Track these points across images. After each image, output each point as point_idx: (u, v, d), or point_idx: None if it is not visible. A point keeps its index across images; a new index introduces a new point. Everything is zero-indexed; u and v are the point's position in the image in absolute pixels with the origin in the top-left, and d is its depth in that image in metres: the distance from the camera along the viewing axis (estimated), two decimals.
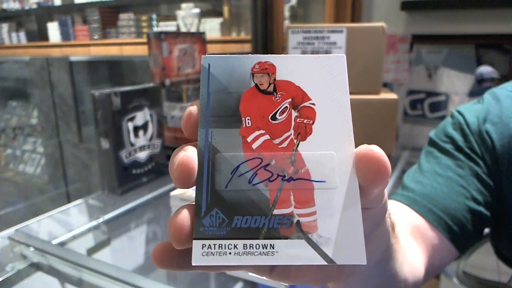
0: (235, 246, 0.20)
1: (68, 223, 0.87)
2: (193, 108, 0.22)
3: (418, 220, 0.48)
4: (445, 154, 0.51)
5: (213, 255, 0.19)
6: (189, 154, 0.20)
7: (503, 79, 1.42)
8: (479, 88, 1.45)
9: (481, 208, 0.48)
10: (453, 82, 1.49)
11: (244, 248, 0.20)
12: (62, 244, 0.75)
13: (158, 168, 0.99)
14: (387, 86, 1.58)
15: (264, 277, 0.25)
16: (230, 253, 0.20)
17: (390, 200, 0.50)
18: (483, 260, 0.97)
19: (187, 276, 0.70)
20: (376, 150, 0.20)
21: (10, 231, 0.75)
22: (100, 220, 0.83)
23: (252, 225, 0.20)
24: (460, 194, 0.48)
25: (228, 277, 0.63)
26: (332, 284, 0.29)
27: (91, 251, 0.75)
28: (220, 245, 0.20)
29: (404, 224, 0.46)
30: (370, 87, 1.15)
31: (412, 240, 0.45)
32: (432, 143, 0.54)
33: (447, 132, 0.52)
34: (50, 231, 0.81)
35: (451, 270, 0.86)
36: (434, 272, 0.47)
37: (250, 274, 0.59)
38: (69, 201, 1.97)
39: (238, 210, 0.20)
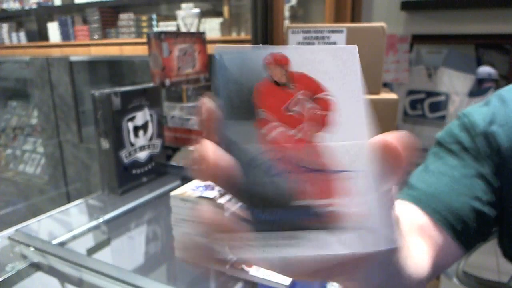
0: (259, 239, 0.20)
1: (68, 223, 0.87)
2: (207, 101, 0.22)
3: (423, 219, 0.48)
4: (451, 155, 0.52)
5: (237, 248, 0.20)
6: (216, 150, 0.20)
7: (503, 79, 1.42)
8: (479, 89, 1.45)
9: (486, 209, 0.48)
10: (453, 82, 1.49)
11: (267, 240, 0.20)
12: (62, 244, 0.75)
13: (158, 168, 0.99)
14: (387, 86, 1.58)
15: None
16: (253, 246, 0.20)
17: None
18: (483, 260, 0.97)
19: (187, 276, 0.70)
20: (392, 139, 0.21)
21: (10, 231, 0.75)
22: (100, 220, 0.83)
23: (274, 217, 0.20)
24: (464, 194, 0.48)
25: (228, 277, 0.63)
26: (334, 280, 0.29)
27: (91, 251, 0.75)
28: (244, 238, 0.20)
29: (409, 222, 0.47)
30: (370, 87, 1.15)
31: (417, 238, 0.46)
32: (438, 144, 0.55)
33: (454, 133, 0.53)
34: (50, 231, 0.81)
35: (451, 270, 0.86)
36: (438, 270, 0.47)
37: (250, 273, 0.60)
38: (69, 201, 1.97)
39: (259, 202, 0.20)
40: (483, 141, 0.50)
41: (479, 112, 0.52)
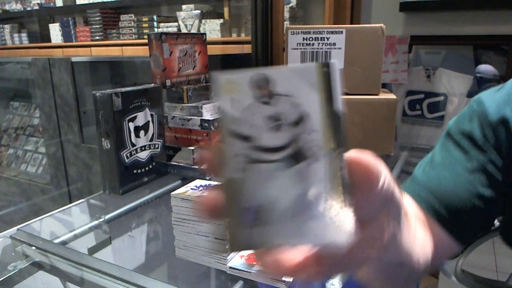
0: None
1: (69, 222, 0.88)
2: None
3: (421, 214, 0.49)
4: (457, 147, 0.51)
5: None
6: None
7: (500, 79, 1.42)
8: (478, 89, 1.45)
9: (486, 204, 0.48)
10: (451, 83, 1.49)
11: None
12: (63, 243, 0.75)
13: (158, 168, 1.00)
14: (386, 86, 1.59)
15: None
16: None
17: None
18: (482, 259, 0.98)
19: (187, 275, 0.71)
20: (365, 157, 0.22)
21: (12, 230, 0.76)
22: (101, 219, 0.83)
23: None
24: (465, 190, 0.48)
25: (228, 277, 0.63)
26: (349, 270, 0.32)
27: (92, 250, 0.76)
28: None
29: (412, 213, 0.48)
30: (369, 87, 1.15)
31: (421, 226, 0.47)
32: (448, 134, 0.54)
33: (464, 123, 0.52)
34: (51, 231, 0.82)
35: (449, 269, 0.86)
36: (438, 262, 0.48)
37: (251, 272, 0.60)
38: (70, 200, 1.98)
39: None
40: (494, 131, 0.49)
41: (493, 99, 0.51)
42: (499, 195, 0.49)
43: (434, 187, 0.49)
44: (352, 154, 0.22)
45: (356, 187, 0.22)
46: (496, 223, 0.58)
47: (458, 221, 0.48)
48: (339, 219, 0.22)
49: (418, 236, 0.40)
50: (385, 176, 0.24)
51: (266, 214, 0.22)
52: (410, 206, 0.49)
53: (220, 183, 0.23)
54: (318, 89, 0.22)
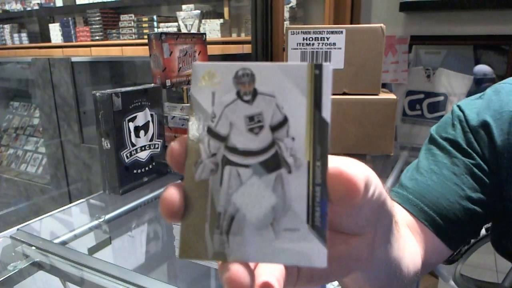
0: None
1: (69, 222, 0.88)
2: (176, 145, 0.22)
3: (411, 219, 0.49)
4: (442, 151, 0.51)
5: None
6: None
7: (501, 79, 1.42)
8: (477, 88, 1.45)
9: (475, 207, 0.48)
10: (451, 83, 1.49)
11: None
12: (63, 243, 0.75)
13: (159, 168, 1.00)
14: (386, 86, 1.59)
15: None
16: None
17: None
18: (482, 259, 0.98)
19: (187, 275, 0.71)
20: (348, 170, 0.20)
21: (12, 230, 0.76)
22: (101, 219, 0.83)
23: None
24: (454, 193, 0.48)
25: None
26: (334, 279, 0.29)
27: (92, 250, 0.76)
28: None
29: (400, 218, 0.47)
30: (369, 87, 1.15)
31: (409, 232, 0.46)
32: (431, 139, 0.54)
33: (447, 128, 0.53)
34: (51, 230, 0.82)
35: (448, 273, 0.86)
36: (428, 268, 0.48)
37: None
38: (70, 200, 1.98)
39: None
40: (476, 136, 0.49)
41: (473, 106, 0.52)
42: (488, 198, 0.49)
43: (423, 191, 0.49)
44: (335, 165, 0.20)
45: (338, 202, 0.20)
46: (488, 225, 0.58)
47: (448, 225, 0.48)
48: (314, 236, 0.20)
49: (408, 244, 0.40)
50: (376, 185, 0.23)
51: (238, 222, 0.20)
52: (399, 213, 0.48)
53: (189, 182, 0.21)
54: (306, 93, 0.20)
